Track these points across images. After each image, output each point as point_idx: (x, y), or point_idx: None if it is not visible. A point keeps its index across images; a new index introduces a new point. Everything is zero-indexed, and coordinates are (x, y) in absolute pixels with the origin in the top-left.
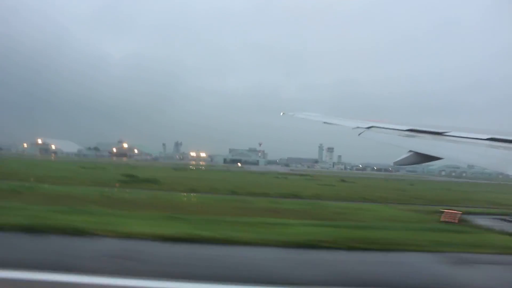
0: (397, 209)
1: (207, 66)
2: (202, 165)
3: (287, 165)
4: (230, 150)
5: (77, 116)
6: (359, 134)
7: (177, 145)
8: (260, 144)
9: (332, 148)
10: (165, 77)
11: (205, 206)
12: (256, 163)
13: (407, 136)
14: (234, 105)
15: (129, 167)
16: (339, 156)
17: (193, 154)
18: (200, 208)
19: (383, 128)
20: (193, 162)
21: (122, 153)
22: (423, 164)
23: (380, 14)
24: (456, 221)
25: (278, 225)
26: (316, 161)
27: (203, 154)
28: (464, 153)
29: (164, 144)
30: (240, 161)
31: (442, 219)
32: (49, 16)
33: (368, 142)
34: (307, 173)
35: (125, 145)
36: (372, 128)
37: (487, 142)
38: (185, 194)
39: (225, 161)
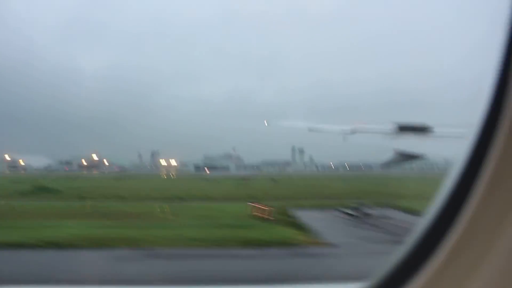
0: (242, 207)
1: (182, 75)
2: (170, 174)
3: (258, 168)
4: (205, 157)
5: (51, 129)
6: (344, 139)
7: (154, 154)
8: (233, 149)
9: (303, 150)
10: (141, 87)
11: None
12: (227, 168)
13: (391, 136)
14: (210, 111)
15: (67, 179)
16: (311, 157)
17: (163, 163)
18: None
19: (367, 131)
20: (164, 171)
21: (92, 166)
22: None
23: (353, 15)
24: (266, 215)
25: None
26: (288, 164)
27: (174, 163)
28: (446, 149)
29: (140, 155)
30: (212, 167)
31: (253, 214)
32: (18, 29)
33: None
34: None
35: (95, 157)
36: (357, 132)
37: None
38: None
39: (196, 168)
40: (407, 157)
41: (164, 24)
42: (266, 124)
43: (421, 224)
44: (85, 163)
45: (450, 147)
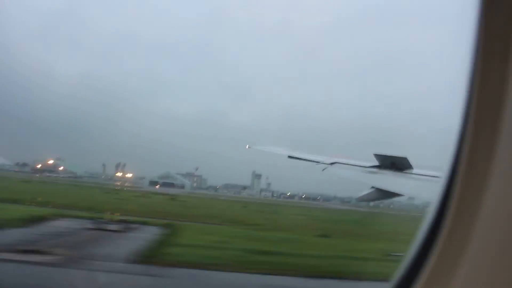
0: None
1: (156, 90)
2: (122, 186)
3: (215, 190)
4: (164, 174)
5: (14, 130)
6: (322, 170)
7: (119, 166)
8: (196, 169)
9: (260, 175)
10: (113, 98)
11: None
12: (182, 187)
13: (370, 172)
14: (182, 130)
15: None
16: (269, 184)
17: (119, 174)
18: None
19: (346, 164)
20: (118, 183)
21: (46, 170)
22: None
23: (325, 40)
24: None
25: None
26: (244, 188)
27: (129, 175)
28: (424, 190)
29: (104, 165)
30: (166, 184)
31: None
32: None
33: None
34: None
35: (50, 162)
36: (336, 164)
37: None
38: None
39: (150, 183)
40: (385, 194)
41: (141, 38)
42: (248, 148)
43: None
44: (39, 166)
45: (427, 189)
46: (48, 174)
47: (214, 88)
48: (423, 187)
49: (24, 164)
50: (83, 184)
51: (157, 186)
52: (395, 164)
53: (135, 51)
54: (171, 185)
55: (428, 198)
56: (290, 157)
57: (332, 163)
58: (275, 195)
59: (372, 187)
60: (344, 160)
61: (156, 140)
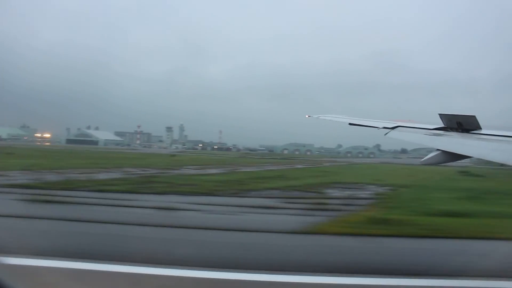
0: None
1: (133, 54)
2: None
3: (128, 145)
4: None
5: None
6: (385, 134)
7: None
8: (138, 127)
9: (171, 128)
10: (91, 64)
11: None
12: (96, 143)
13: (434, 135)
14: (150, 89)
15: None
16: (185, 136)
17: (38, 134)
18: None
19: (410, 127)
20: (38, 142)
21: None
22: None
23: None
24: None
25: None
26: (160, 140)
27: (47, 135)
28: (493, 151)
29: (68, 129)
30: (81, 140)
31: None
32: None
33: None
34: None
35: None
36: (398, 128)
37: None
38: None
39: (67, 140)
40: (452, 156)
41: (113, 4)
42: (307, 117)
43: None
44: None
45: (496, 150)
46: None
47: (190, 49)
48: (492, 148)
49: None
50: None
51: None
52: (461, 124)
53: (107, 16)
54: (85, 142)
55: (498, 159)
56: (351, 124)
57: (394, 127)
58: (185, 146)
59: (438, 149)
60: (406, 124)
61: (125, 100)
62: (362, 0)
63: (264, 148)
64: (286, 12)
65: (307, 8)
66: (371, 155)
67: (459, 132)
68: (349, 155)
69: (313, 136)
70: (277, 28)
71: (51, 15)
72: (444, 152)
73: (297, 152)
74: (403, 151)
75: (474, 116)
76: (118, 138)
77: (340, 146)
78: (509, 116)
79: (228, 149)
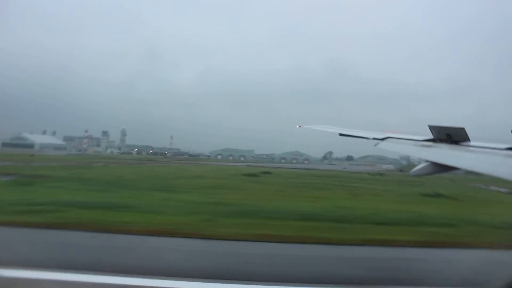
0: None
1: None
2: None
3: (64, 149)
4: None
5: None
6: (375, 145)
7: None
8: (86, 131)
9: (107, 132)
10: (53, 67)
11: None
12: (32, 147)
13: (424, 146)
14: (115, 94)
15: None
16: (123, 140)
17: None
18: None
19: (399, 138)
20: None
21: None
22: None
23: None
24: None
25: None
26: (97, 145)
27: None
28: (482, 163)
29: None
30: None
31: None
32: None
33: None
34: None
35: None
36: (388, 139)
37: (505, 152)
38: None
39: (3, 144)
40: (440, 168)
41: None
42: (298, 127)
43: None
44: None
45: (485, 162)
46: None
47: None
48: (481, 160)
49: None
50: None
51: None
52: (451, 136)
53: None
54: (23, 146)
55: (486, 171)
56: (341, 134)
57: (384, 138)
58: (118, 151)
59: (427, 161)
60: (396, 135)
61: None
62: (322, 9)
63: (199, 154)
64: (247, 20)
65: (268, 17)
66: (306, 161)
67: (448, 143)
68: (283, 161)
69: (279, 143)
70: (239, 36)
71: (14, 16)
72: (433, 163)
73: (230, 158)
74: (349, 158)
75: (463, 128)
76: (60, 142)
77: (273, 154)
78: (466, 125)
79: (162, 154)
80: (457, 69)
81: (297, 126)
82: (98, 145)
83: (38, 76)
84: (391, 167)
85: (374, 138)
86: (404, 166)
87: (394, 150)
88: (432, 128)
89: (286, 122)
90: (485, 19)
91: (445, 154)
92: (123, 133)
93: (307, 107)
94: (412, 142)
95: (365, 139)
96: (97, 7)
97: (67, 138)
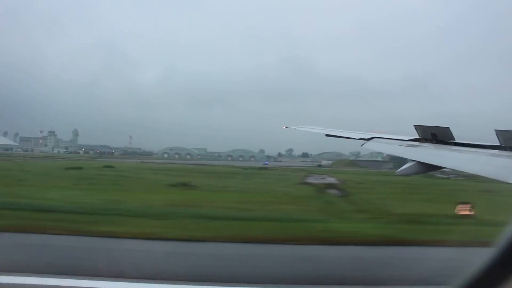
0: None
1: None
2: None
3: (11, 149)
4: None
5: None
6: (361, 145)
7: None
8: (41, 132)
9: (54, 132)
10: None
11: None
12: None
13: (410, 146)
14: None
15: None
16: (71, 141)
17: None
18: None
19: (385, 138)
20: None
21: None
22: None
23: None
24: None
25: None
26: (45, 145)
27: None
28: (467, 162)
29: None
30: None
31: None
32: None
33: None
34: None
35: None
36: (374, 139)
37: (490, 151)
38: None
39: None
40: (427, 167)
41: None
42: (284, 128)
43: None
44: None
45: (470, 161)
46: None
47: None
48: (466, 159)
49: None
50: None
51: None
52: (436, 135)
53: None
54: None
55: (471, 170)
56: (327, 135)
57: (370, 138)
58: (66, 151)
59: (413, 160)
60: (382, 135)
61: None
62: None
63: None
64: (207, 19)
65: (229, 16)
66: (252, 159)
67: (434, 143)
68: (229, 158)
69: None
70: (200, 35)
71: None
72: (419, 162)
73: (177, 156)
74: (304, 155)
75: (448, 128)
76: (10, 143)
77: (222, 152)
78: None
79: (109, 153)
80: (415, 66)
81: (284, 127)
82: (45, 145)
83: None
84: (329, 162)
85: (360, 139)
86: (335, 162)
87: (380, 149)
88: (417, 127)
89: (250, 120)
90: (439, 13)
91: (431, 154)
92: (75, 133)
93: (270, 105)
94: (398, 142)
95: (351, 139)
96: (58, 3)
97: (23, 139)
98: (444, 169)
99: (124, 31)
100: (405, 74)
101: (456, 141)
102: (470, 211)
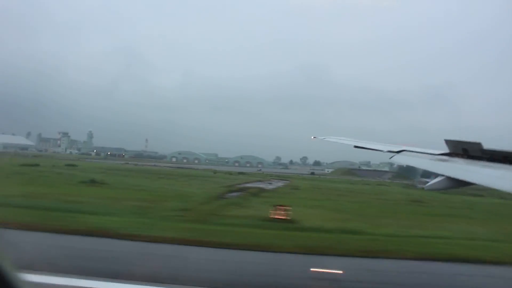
0: None
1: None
2: None
3: (27, 149)
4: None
5: None
6: (390, 158)
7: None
8: (59, 134)
9: (67, 133)
10: (42, 70)
11: None
12: None
13: (440, 160)
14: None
15: None
16: (84, 142)
17: None
18: None
19: (415, 152)
20: None
21: None
22: None
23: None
24: None
25: None
26: (59, 145)
27: None
28: (498, 179)
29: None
30: None
31: None
32: None
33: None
34: None
35: None
36: (403, 152)
37: None
38: None
39: None
40: (457, 182)
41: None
42: (313, 139)
43: None
44: None
45: (502, 178)
46: None
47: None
48: (497, 176)
49: None
50: None
51: None
52: (467, 150)
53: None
54: None
55: (503, 187)
56: (356, 146)
57: (399, 151)
58: (75, 152)
59: (442, 175)
60: (411, 148)
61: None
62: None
63: (162, 156)
64: (227, 26)
65: (247, 23)
66: (260, 165)
67: (465, 158)
68: (236, 164)
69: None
70: (219, 42)
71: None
72: (448, 178)
73: (185, 160)
74: (316, 163)
75: (479, 143)
76: (27, 143)
77: (228, 158)
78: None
79: (120, 155)
80: (435, 77)
81: (312, 138)
82: (58, 146)
83: (21, 81)
84: (329, 171)
85: (389, 151)
86: (335, 171)
87: (409, 163)
88: (448, 142)
89: (266, 127)
90: (461, 24)
91: (462, 169)
92: (89, 135)
93: (285, 112)
94: (428, 155)
95: (381, 152)
96: (82, 10)
97: (44, 139)
98: (475, 185)
99: (144, 36)
100: (425, 85)
101: (488, 155)
102: None
